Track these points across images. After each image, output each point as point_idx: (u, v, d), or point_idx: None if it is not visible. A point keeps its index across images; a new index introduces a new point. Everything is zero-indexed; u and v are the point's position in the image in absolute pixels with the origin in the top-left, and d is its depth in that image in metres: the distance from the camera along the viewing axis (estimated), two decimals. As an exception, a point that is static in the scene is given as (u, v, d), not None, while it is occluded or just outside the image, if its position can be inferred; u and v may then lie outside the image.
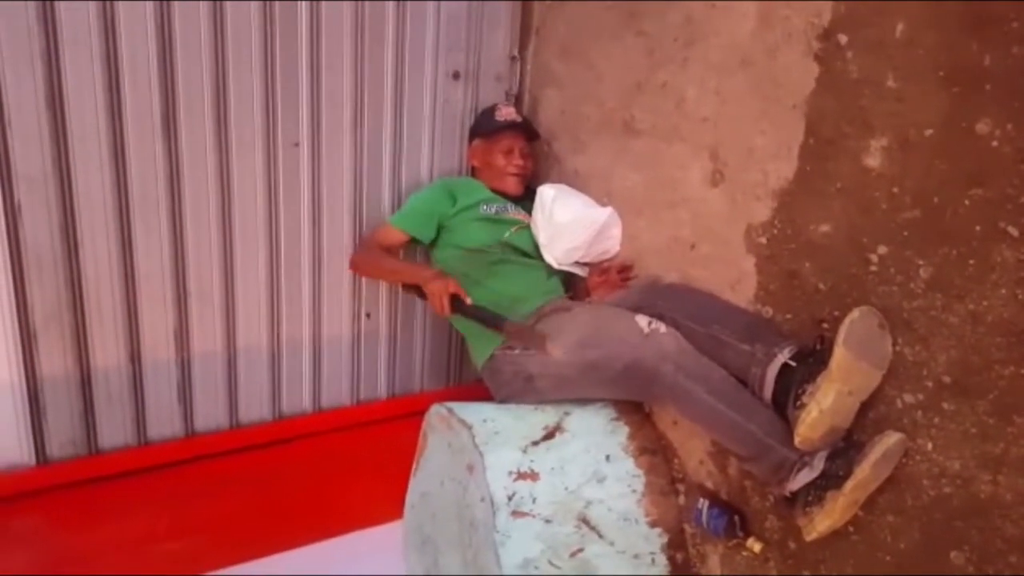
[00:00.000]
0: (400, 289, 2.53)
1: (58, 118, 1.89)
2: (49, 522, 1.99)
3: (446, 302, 2.09)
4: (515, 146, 2.45)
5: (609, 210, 2.30)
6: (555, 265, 2.29)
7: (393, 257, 2.39)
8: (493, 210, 2.37)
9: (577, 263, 2.35)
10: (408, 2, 2.34)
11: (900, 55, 1.60)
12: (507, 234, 2.34)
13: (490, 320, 2.08)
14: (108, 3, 1.89)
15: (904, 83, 1.60)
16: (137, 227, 2.05)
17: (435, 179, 2.54)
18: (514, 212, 2.42)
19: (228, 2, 2.04)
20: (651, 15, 2.16)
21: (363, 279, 2.46)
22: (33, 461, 2.03)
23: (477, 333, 2.23)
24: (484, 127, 2.50)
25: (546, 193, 2.32)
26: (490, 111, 2.51)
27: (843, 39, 1.70)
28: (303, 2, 2.15)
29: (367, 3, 2.26)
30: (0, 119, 1.82)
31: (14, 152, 1.85)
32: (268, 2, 2.10)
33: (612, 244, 2.33)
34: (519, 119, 2.50)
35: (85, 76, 1.90)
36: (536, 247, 2.38)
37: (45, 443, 2.04)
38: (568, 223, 2.24)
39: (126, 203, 2.02)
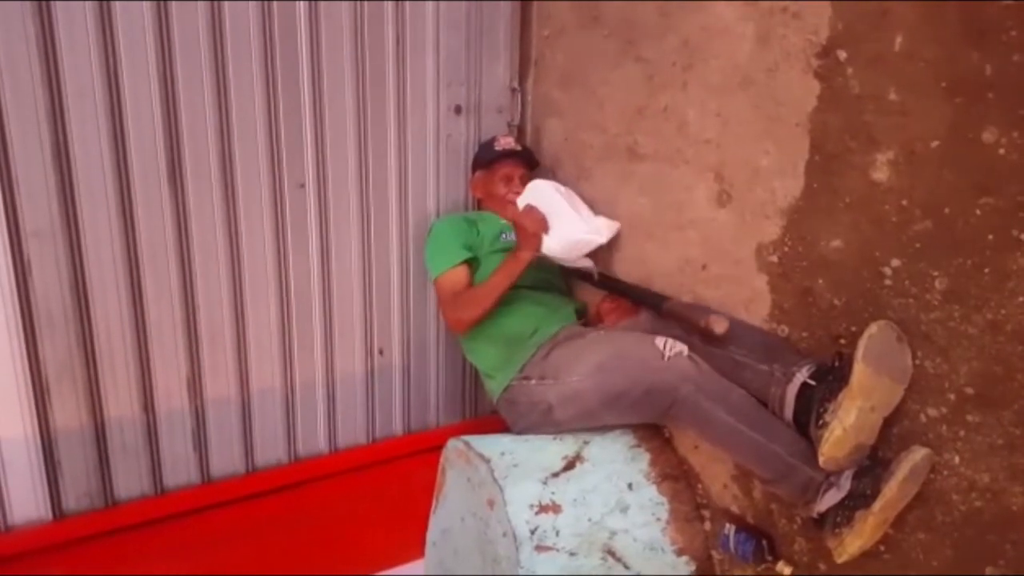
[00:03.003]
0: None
1: (64, 173, 1.90)
2: (69, 576, 1.97)
3: (538, 231, 2.17)
4: (515, 174, 2.45)
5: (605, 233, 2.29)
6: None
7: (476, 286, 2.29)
8: (512, 237, 2.37)
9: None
10: (407, 39, 2.36)
11: (901, 68, 1.60)
12: None
13: (644, 295, 2.02)
14: (111, 56, 1.91)
15: (906, 96, 1.60)
16: (146, 277, 2.05)
17: (441, 216, 2.54)
18: None
19: (229, 49, 2.07)
20: (649, 41, 2.17)
21: (374, 316, 2.45)
22: (50, 515, 2.01)
23: (492, 365, 2.22)
24: (483, 158, 2.51)
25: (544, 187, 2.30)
26: (489, 143, 2.52)
27: (842, 55, 1.70)
28: (303, 44, 2.18)
29: (367, 41, 2.28)
30: (8, 175, 1.84)
31: (22, 208, 1.86)
32: (269, 45, 2.13)
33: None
34: (518, 147, 2.50)
35: (90, 129, 1.92)
36: (550, 273, 2.38)
37: (61, 497, 2.03)
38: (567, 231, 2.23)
39: (135, 253, 2.03)
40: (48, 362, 1.96)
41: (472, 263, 2.29)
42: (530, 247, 2.18)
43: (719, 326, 1.86)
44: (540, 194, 2.29)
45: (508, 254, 2.23)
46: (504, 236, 2.36)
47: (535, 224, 2.19)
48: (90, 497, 2.07)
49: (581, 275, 2.35)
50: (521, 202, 2.29)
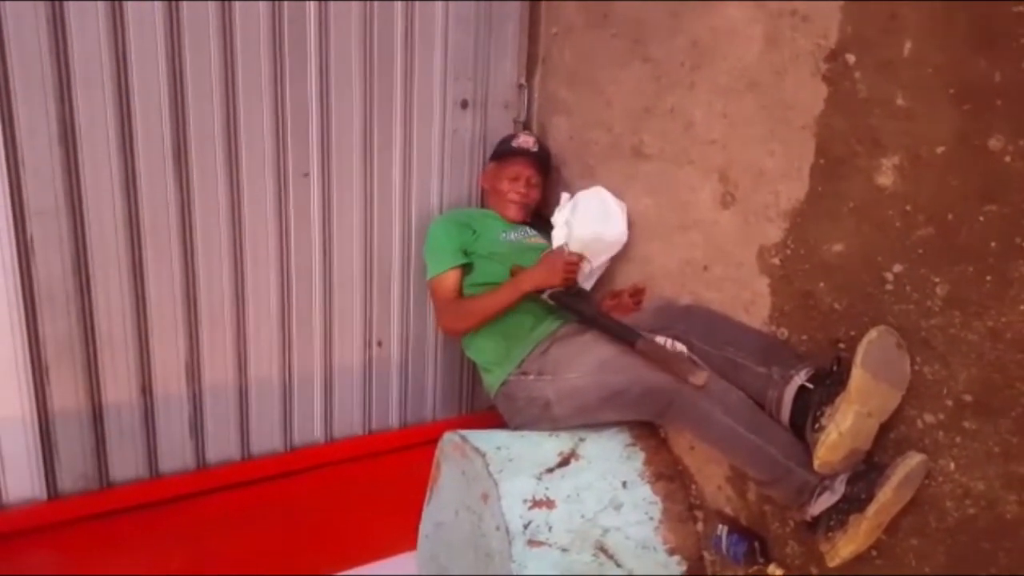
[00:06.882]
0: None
1: (70, 153, 1.90)
2: (61, 557, 1.97)
3: (563, 266, 2.10)
4: (523, 174, 2.43)
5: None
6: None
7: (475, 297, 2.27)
8: (512, 237, 2.36)
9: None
10: (416, 32, 2.36)
11: (909, 73, 1.60)
12: (522, 261, 2.31)
13: (620, 331, 2.00)
14: (119, 39, 1.91)
15: (914, 101, 1.60)
16: (148, 260, 2.05)
17: (444, 210, 2.54)
18: (530, 238, 2.40)
19: (238, 35, 2.07)
20: (657, 41, 2.17)
21: (374, 307, 2.45)
22: (45, 495, 2.01)
23: (490, 360, 2.22)
24: (499, 151, 2.50)
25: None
26: (509, 137, 2.52)
27: (851, 59, 1.70)
28: (312, 33, 2.18)
29: (375, 34, 2.29)
30: (13, 155, 1.84)
31: (27, 187, 1.86)
32: (278, 32, 2.12)
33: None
34: (534, 148, 2.47)
35: (97, 111, 1.92)
36: None
37: (57, 477, 2.03)
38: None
39: (137, 236, 2.03)
40: (48, 342, 1.96)
41: (466, 267, 2.28)
42: (545, 285, 2.13)
43: (698, 379, 1.83)
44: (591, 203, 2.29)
45: (511, 278, 2.20)
46: (503, 236, 2.35)
47: (559, 275, 2.11)
48: (85, 479, 2.07)
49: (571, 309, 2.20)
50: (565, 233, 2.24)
